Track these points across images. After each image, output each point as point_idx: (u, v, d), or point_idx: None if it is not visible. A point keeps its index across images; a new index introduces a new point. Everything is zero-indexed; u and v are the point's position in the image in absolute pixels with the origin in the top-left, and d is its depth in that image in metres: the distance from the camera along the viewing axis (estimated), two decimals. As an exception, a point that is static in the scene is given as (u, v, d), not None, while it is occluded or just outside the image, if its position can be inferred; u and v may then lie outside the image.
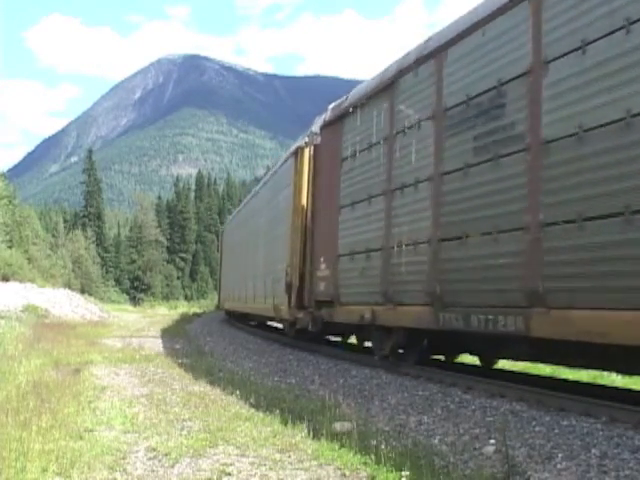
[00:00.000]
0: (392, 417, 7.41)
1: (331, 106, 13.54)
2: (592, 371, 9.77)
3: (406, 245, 9.83)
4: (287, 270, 15.45)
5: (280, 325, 19.84)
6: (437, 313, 8.87)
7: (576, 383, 9.20)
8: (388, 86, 10.68)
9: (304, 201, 14.96)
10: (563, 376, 10.49)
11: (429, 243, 9.21)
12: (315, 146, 14.61)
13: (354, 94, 12.34)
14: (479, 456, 5.62)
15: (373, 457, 5.37)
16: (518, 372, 10.58)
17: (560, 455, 5.37)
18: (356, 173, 11.73)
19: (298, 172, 15.26)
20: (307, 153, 15.07)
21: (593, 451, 5.38)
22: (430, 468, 5.05)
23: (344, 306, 12.04)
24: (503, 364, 11.22)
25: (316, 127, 14.63)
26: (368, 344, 14.01)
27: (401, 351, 10.84)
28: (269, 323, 24.38)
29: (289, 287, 15.28)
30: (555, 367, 10.72)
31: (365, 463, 5.32)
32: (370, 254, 11.00)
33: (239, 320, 28.59)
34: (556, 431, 6.16)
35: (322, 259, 13.18)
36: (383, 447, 5.49)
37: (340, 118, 12.62)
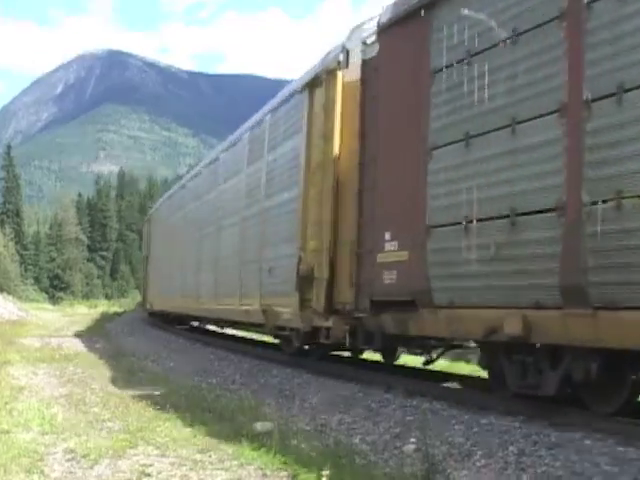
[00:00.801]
0: (313, 417, 7.43)
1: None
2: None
3: (631, 197, 5.24)
4: (300, 255, 10.78)
5: (262, 335, 17.02)
6: None
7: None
8: None
9: (335, 150, 10.11)
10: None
11: None
12: (364, 63, 9.45)
13: None
14: (400, 455, 5.67)
15: (294, 457, 5.37)
16: (436, 371, 10.50)
17: (479, 453, 5.46)
18: (471, 88, 7.07)
19: (324, 108, 10.45)
20: (340, 77, 10.09)
21: (511, 448, 5.47)
22: (351, 467, 5.07)
23: (442, 310, 7.33)
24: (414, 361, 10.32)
25: (355, 40, 9.89)
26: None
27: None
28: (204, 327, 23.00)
29: (304, 280, 10.55)
30: (474, 365, 10.66)
31: (286, 463, 5.34)
32: (522, 220, 6.28)
33: (163, 321, 26.17)
34: (475, 429, 6.25)
35: (388, 235, 8.48)
36: (304, 446, 5.51)
37: (425, 8, 7.82)
